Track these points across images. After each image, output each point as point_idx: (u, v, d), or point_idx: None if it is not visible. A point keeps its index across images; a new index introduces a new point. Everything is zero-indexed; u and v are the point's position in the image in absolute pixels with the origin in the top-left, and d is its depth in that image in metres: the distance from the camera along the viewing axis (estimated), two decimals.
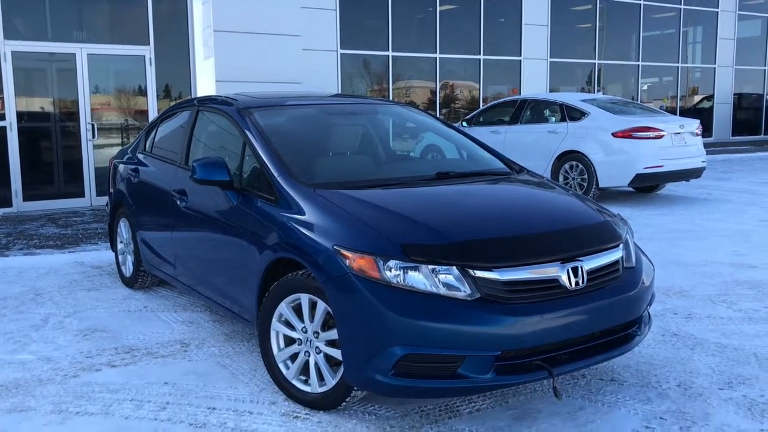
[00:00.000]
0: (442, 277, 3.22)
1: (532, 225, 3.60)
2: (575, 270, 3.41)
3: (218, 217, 4.29)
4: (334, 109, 5.10)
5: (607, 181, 10.10)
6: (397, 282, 3.21)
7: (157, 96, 10.72)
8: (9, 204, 9.88)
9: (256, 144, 4.18)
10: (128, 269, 5.90)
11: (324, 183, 3.90)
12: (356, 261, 3.28)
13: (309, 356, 3.62)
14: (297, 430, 3.43)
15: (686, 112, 19.66)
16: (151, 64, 10.63)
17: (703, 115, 19.91)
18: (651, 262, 4.08)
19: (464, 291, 3.21)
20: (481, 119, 11.89)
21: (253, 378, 4.04)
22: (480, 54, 15.93)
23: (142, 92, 10.68)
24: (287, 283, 3.64)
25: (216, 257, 4.36)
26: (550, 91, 16.83)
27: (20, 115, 9.84)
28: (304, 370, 3.67)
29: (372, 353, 3.22)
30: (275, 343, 3.76)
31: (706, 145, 10.65)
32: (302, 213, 3.67)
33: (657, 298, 5.55)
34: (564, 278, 3.37)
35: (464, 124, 11.88)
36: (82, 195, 10.39)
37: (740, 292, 5.73)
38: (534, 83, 16.71)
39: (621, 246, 3.75)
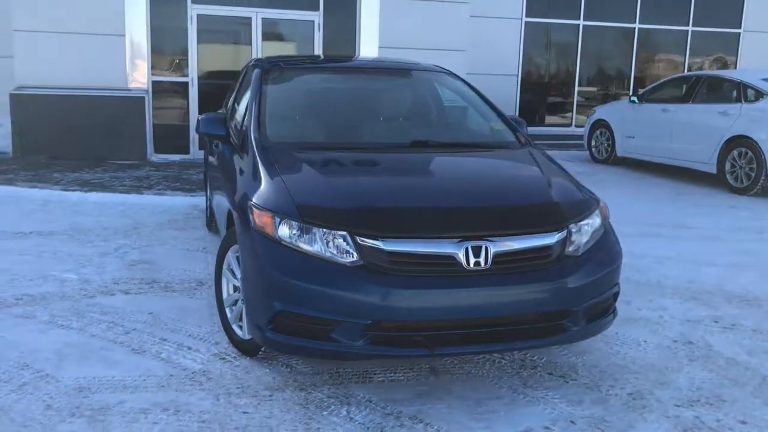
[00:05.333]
0: (331, 241, 3.26)
1: (443, 199, 3.49)
2: (477, 249, 3.24)
3: (222, 169, 4.63)
4: (357, 73, 5.15)
5: None
6: (290, 241, 3.30)
7: None
8: (187, 151, 11.15)
9: (253, 102, 4.43)
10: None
11: (283, 142, 4.06)
12: (259, 218, 3.43)
13: (244, 304, 3.85)
14: (213, 369, 3.70)
15: None
16: (319, 29, 11.25)
17: None
18: (619, 249, 3.72)
19: (350, 257, 3.22)
20: (653, 96, 10.95)
21: None
22: (688, 25, 14.52)
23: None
24: (232, 234, 3.88)
25: (220, 206, 4.72)
26: None
27: (200, 73, 11.00)
28: (241, 317, 3.90)
29: (257, 306, 3.37)
30: (225, 289, 4.02)
31: None
32: (251, 169, 3.87)
33: (712, 303, 4.96)
34: (461, 256, 3.22)
35: (634, 99, 11.03)
36: None
37: None
38: (756, 59, 14.86)
39: (561, 232, 3.45)
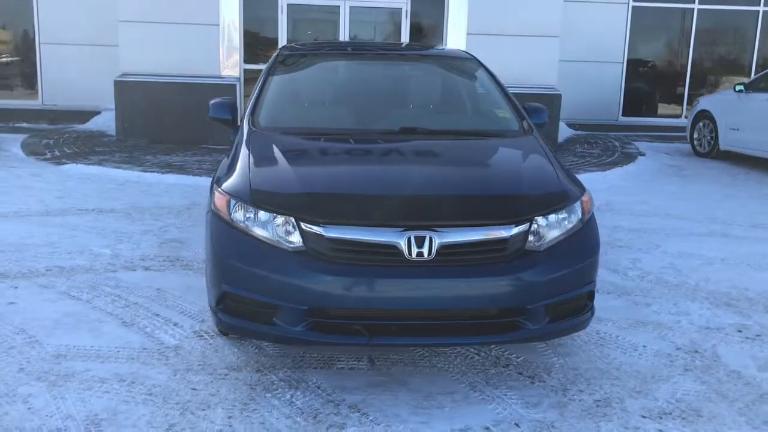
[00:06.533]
0: (280, 226, 3.27)
1: (394, 187, 3.42)
2: (420, 240, 3.14)
3: None
4: (373, 60, 5.08)
5: None
6: (242, 225, 3.34)
7: None
8: None
9: (257, 87, 4.52)
10: None
11: (273, 127, 4.11)
12: (218, 200, 3.50)
13: None
14: (186, 345, 3.83)
15: None
16: (406, 17, 11.22)
17: None
18: (595, 245, 3.48)
19: (294, 243, 3.22)
20: (761, 84, 10.06)
21: None
22: None
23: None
24: None
25: None
26: None
27: None
28: None
29: (211, 287, 3.45)
30: None
31: None
32: (233, 153, 3.95)
33: (746, 311, 4.55)
34: (403, 246, 3.14)
35: (740, 88, 10.16)
36: None
37: None
38: None
39: (521, 225, 3.27)
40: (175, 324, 4.11)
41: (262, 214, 3.30)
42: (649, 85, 13.82)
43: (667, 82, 13.81)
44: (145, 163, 9.19)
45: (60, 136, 11.00)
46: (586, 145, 11.32)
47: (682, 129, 12.36)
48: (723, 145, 10.42)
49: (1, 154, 9.45)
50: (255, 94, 4.41)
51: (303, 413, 3.19)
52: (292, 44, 5.40)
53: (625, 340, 4.04)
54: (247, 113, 4.27)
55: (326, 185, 3.44)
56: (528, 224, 3.29)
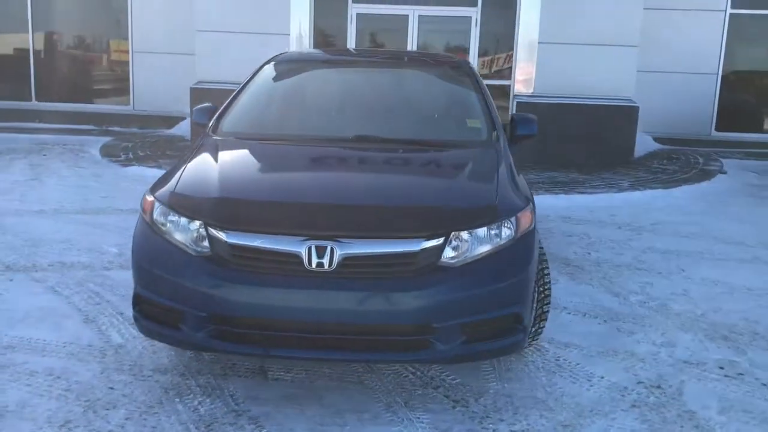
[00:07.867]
0: (192, 231, 3.26)
1: (303, 195, 3.35)
2: (321, 250, 3.02)
3: None
4: (356, 67, 4.99)
5: None
6: (161, 229, 3.36)
7: (478, 55, 11.08)
8: None
9: (234, 93, 4.56)
10: None
11: (229, 132, 4.15)
12: (144, 202, 3.53)
13: None
14: (129, 345, 3.91)
15: None
16: (476, 25, 10.99)
17: None
18: (525, 264, 3.23)
19: (202, 248, 3.20)
20: None
21: None
22: None
23: (465, 51, 11.13)
24: None
25: None
26: None
27: None
28: None
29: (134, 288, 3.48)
30: None
31: None
32: (182, 156, 3.99)
33: (744, 347, 4.12)
34: (304, 255, 3.04)
35: None
36: None
37: None
38: None
39: (433, 239, 3.09)
40: (132, 324, 4.16)
41: (178, 219, 3.30)
42: (748, 98, 12.83)
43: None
44: None
45: (141, 140, 11.55)
46: (665, 161, 10.65)
47: None
48: None
49: (78, 155, 10.04)
50: (227, 101, 4.45)
51: (199, 421, 3.15)
52: (284, 53, 5.40)
53: (584, 370, 3.72)
54: (214, 117, 4.31)
55: (238, 191, 3.41)
56: (443, 239, 3.10)
